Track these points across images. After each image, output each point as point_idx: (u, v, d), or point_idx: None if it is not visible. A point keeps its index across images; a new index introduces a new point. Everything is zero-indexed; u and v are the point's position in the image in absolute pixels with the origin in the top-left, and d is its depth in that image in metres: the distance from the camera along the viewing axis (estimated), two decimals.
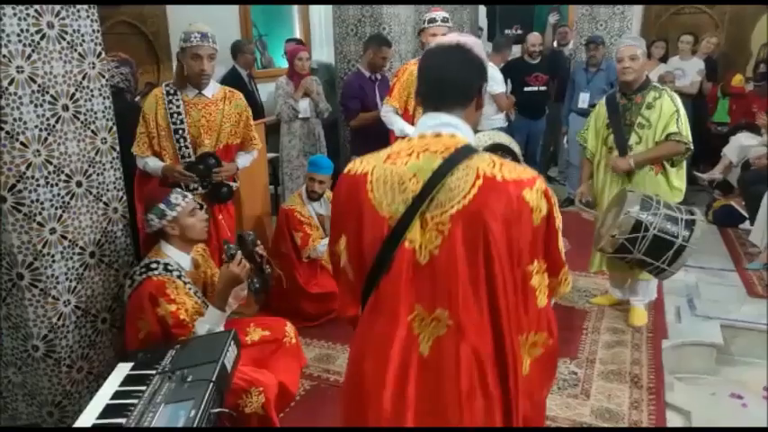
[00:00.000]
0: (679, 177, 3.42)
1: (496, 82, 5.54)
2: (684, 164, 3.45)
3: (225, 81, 3.10)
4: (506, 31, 7.78)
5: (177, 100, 3.00)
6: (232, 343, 2.17)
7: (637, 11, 7.12)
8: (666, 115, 3.28)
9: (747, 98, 6.23)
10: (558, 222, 1.45)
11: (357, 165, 1.53)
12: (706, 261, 4.42)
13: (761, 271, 4.33)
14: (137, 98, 3.88)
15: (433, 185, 1.39)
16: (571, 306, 3.96)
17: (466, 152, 1.41)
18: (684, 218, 3.04)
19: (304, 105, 4.88)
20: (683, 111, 3.31)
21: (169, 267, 2.39)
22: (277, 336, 2.61)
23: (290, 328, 2.66)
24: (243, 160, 3.32)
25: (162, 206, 2.41)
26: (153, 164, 3.03)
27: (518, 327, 1.42)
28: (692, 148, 3.31)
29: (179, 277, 2.41)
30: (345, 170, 1.55)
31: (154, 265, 2.36)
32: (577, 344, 3.48)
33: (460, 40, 1.48)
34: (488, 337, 1.40)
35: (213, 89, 3.09)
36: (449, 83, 1.47)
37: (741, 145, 5.60)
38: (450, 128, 1.45)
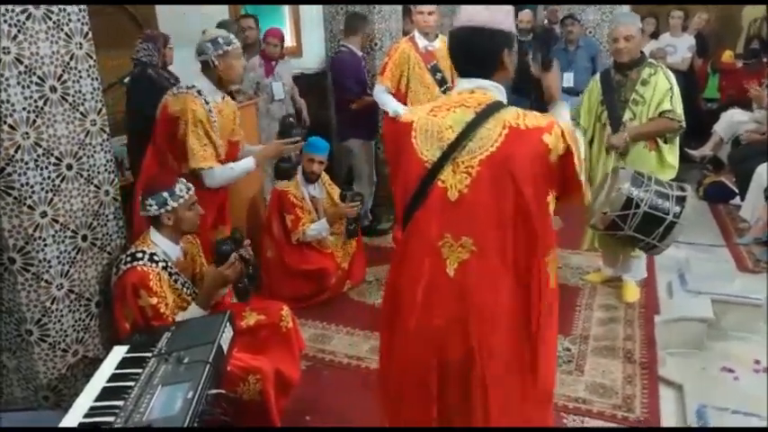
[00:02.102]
0: (672, 154, 3.41)
1: None
2: (677, 141, 3.45)
3: None
4: None
5: (210, 109, 2.82)
6: (228, 324, 2.17)
7: None
8: (660, 92, 3.27)
9: (737, 74, 6.24)
10: (577, 158, 1.68)
11: (405, 115, 1.85)
12: (697, 237, 4.44)
13: (751, 246, 4.36)
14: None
15: (465, 135, 1.67)
16: (564, 283, 3.98)
17: (496, 107, 1.69)
18: (675, 194, 3.05)
19: (278, 88, 4.70)
20: (676, 88, 3.31)
21: (155, 258, 2.36)
22: (273, 320, 2.59)
23: (286, 313, 2.64)
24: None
25: (165, 195, 2.38)
26: (241, 166, 2.95)
27: (545, 248, 1.70)
28: (685, 125, 3.31)
29: (165, 268, 2.39)
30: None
31: (139, 255, 2.34)
32: (571, 321, 3.50)
33: (474, 22, 1.71)
34: (509, 259, 1.67)
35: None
36: (473, 58, 1.74)
37: (732, 121, 5.61)
38: (482, 88, 1.74)
